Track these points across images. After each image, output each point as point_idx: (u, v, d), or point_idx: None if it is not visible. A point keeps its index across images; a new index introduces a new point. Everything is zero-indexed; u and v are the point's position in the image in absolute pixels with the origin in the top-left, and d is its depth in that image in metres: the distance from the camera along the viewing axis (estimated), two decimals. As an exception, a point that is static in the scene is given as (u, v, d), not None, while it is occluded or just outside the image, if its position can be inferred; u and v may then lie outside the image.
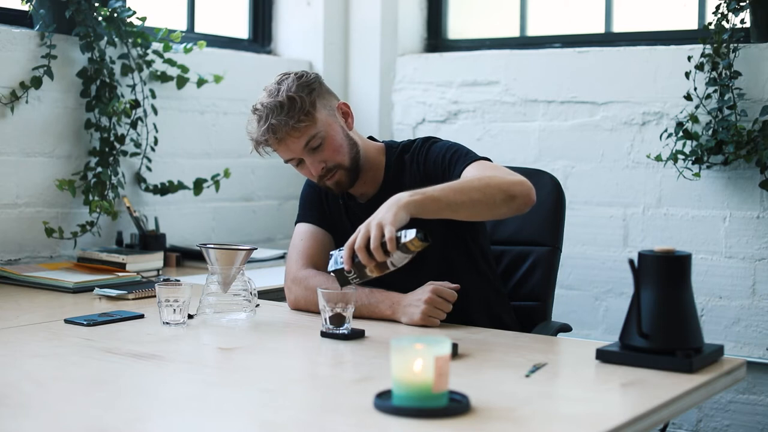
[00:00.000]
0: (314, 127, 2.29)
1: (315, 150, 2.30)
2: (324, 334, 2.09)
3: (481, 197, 2.10)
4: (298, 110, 2.27)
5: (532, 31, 3.93)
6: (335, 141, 2.32)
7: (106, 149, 3.17)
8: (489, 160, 2.34)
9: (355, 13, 4.06)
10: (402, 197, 2.03)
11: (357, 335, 2.08)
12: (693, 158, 3.22)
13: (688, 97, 3.23)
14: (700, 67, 3.20)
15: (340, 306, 2.07)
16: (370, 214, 2.08)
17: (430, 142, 2.42)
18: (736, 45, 3.16)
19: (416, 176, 2.37)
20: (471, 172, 2.26)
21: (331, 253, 2.12)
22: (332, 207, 2.47)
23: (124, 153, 3.24)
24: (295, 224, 2.50)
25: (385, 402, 1.55)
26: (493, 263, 2.51)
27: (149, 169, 3.37)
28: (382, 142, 2.50)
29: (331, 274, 2.10)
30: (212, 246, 2.25)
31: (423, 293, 2.19)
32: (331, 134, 2.32)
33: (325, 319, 2.08)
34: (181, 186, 3.43)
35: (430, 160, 2.38)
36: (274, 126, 2.26)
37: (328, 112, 2.33)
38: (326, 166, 2.32)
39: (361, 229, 2.01)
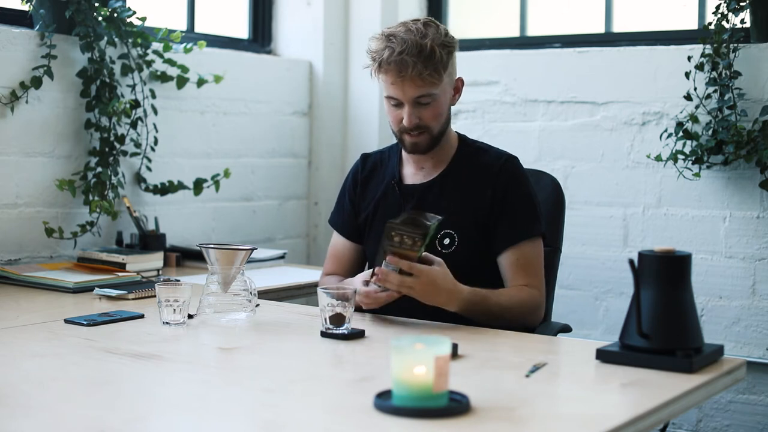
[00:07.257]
0: (435, 87, 2.31)
1: (421, 105, 2.33)
2: (324, 334, 2.09)
3: (502, 323, 2.24)
4: (434, 63, 2.29)
5: (532, 31, 3.93)
6: (440, 107, 2.35)
7: (106, 149, 3.17)
8: (543, 235, 2.40)
9: (355, 13, 4.06)
10: (460, 296, 2.17)
11: (357, 335, 2.08)
12: (693, 158, 3.22)
13: (688, 97, 3.23)
14: (700, 67, 3.20)
15: (340, 306, 2.07)
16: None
17: (513, 169, 2.41)
18: (736, 45, 3.16)
19: (477, 181, 2.39)
20: (512, 263, 2.34)
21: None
22: (375, 190, 2.50)
23: (124, 153, 3.24)
24: (329, 221, 2.63)
25: (385, 402, 1.55)
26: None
27: (149, 169, 3.37)
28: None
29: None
30: (212, 246, 2.25)
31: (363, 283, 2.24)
32: (441, 100, 2.35)
33: (325, 319, 2.08)
34: (181, 186, 3.43)
35: (500, 186, 2.38)
36: (405, 63, 2.28)
37: (448, 80, 2.36)
38: (419, 124, 2.34)
39: (413, 281, 2.11)
